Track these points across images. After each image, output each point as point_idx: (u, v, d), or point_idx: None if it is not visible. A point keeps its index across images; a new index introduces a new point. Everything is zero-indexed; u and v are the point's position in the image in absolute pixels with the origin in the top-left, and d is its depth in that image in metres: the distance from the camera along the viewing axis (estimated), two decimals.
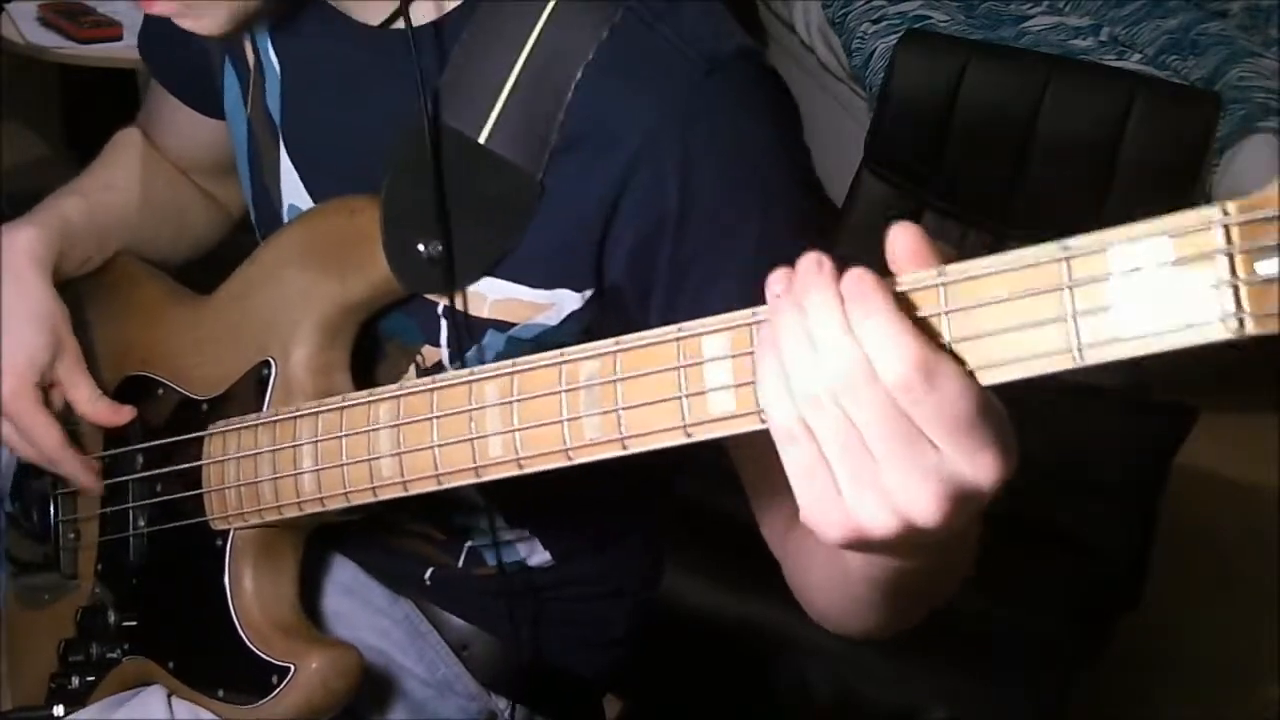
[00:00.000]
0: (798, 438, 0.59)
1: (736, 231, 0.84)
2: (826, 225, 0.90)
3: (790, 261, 0.74)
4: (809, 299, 0.58)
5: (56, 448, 1.04)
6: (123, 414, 1.04)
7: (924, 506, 0.57)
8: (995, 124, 2.26)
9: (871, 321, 0.56)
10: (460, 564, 1.05)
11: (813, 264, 0.59)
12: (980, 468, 0.57)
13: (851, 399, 0.57)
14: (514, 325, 0.91)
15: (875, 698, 1.70)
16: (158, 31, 1.17)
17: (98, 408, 1.04)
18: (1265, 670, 2.33)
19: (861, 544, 0.60)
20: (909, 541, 0.59)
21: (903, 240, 0.59)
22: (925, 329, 0.57)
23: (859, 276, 0.57)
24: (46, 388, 1.05)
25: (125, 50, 2.66)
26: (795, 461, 0.59)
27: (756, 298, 0.63)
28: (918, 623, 0.82)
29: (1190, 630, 2.43)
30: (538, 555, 1.06)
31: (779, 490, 0.86)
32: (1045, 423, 2.06)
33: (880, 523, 0.58)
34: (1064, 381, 2.26)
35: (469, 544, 1.04)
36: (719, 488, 1.65)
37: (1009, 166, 2.26)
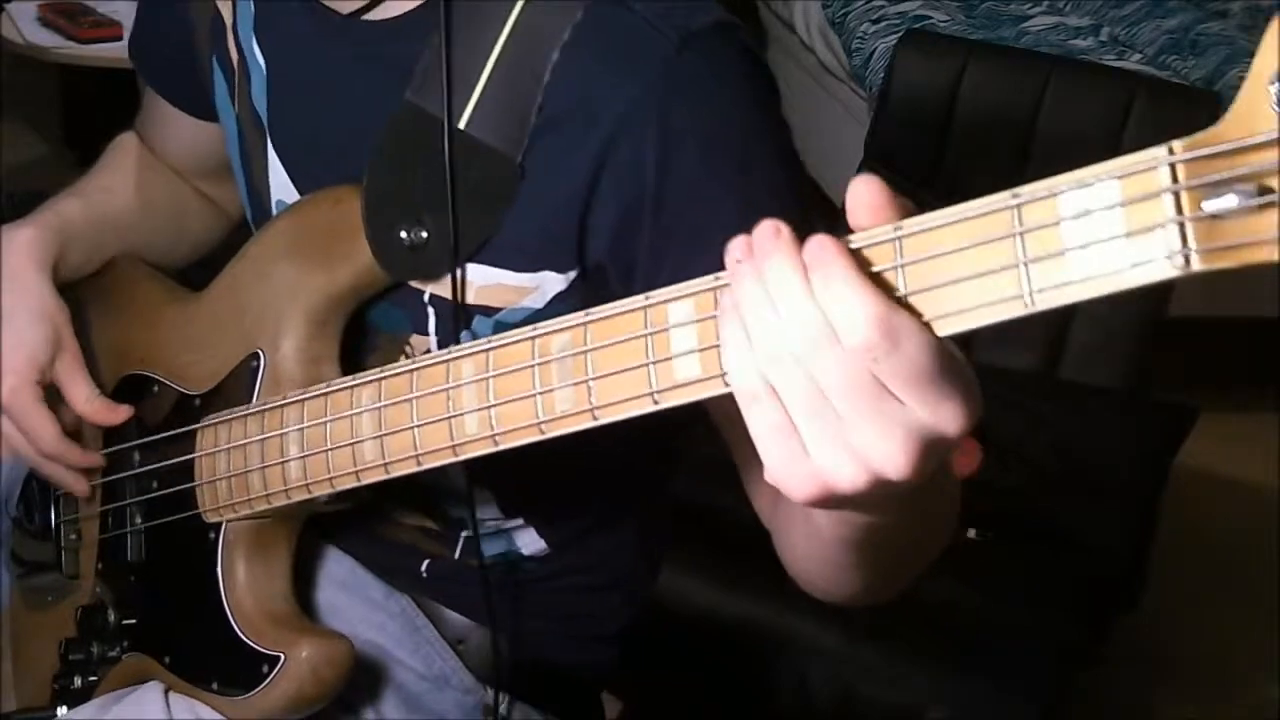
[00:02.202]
0: (761, 397, 0.59)
1: (716, 206, 0.84)
2: (807, 197, 0.90)
3: None
4: (768, 264, 0.59)
5: (54, 443, 1.04)
6: (119, 413, 1.04)
7: (892, 459, 0.57)
8: (995, 124, 2.26)
9: (832, 285, 0.57)
10: (457, 555, 1.06)
11: (770, 230, 0.59)
12: (944, 417, 0.57)
13: (815, 361, 0.57)
14: (500, 310, 0.91)
15: (875, 697, 1.70)
16: (147, 37, 1.18)
17: (94, 406, 1.05)
18: (1265, 670, 2.33)
19: (830, 501, 0.60)
20: (877, 495, 0.60)
21: (864, 194, 0.59)
22: (881, 284, 0.58)
23: (820, 242, 0.58)
24: (45, 386, 1.05)
25: (125, 50, 2.66)
26: (759, 421, 0.60)
27: None
28: (905, 585, 0.83)
29: (1190, 630, 2.43)
30: (533, 544, 1.06)
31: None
32: (1045, 423, 2.06)
33: (848, 477, 0.58)
34: (1064, 381, 2.26)
35: (464, 534, 1.05)
36: (717, 487, 1.65)
37: (1009, 166, 2.26)
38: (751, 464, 0.88)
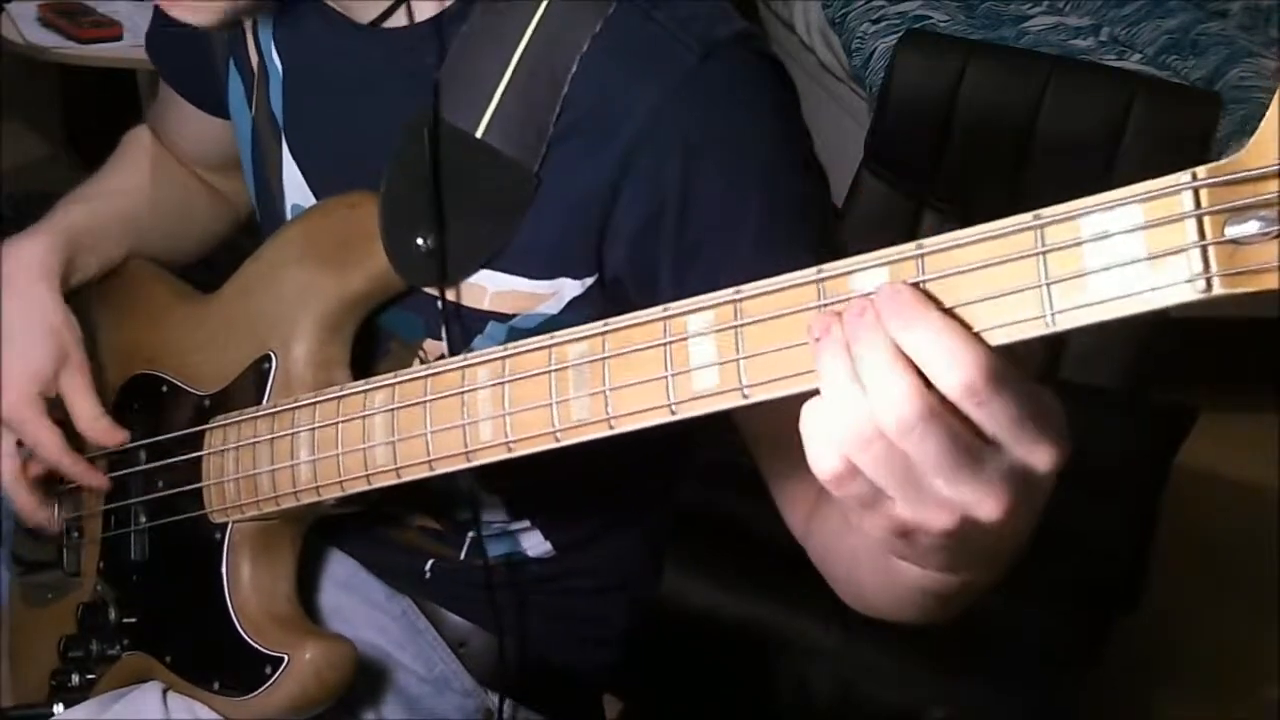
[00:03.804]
0: (849, 479, 0.57)
1: (739, 216, 0.84)
2: (830, 205, 0.90)
3: (794, 245, 0.74)
4: (858, 342, 0.56)
5: (58, 452, 1.05)
6: (118, 436, 1.05)
7: (984, 503, 0.56)
8: (995, 124, 2.26)
9: (920, 333, 0.55)
10: (462, 556, 1.06)
11: (857, 309, 0.57)
12: (1038, 457, 0.56)
13: (910, 435, 0.55)
14: (515, 316, 0.91)
15: (875, 697, 1.70)
16: (164, 32, 1.18)
17: (96, 426, 1.05)
18: (1265, 670, 2.33)
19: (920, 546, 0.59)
20: (974, 548, 0.59)
21: None
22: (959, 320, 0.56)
23: (895, 291, 0.56)
24: (50, 398, 1.06)
25: (125, 50, 2.67)
26: (850, 497, 0.58)
27: None
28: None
29: (1190, 630, 2.44)
30: (539, 546, 1.06)
31: (799, 476, 0.86)
32: None
33: (942, 524, 0.57)
34: (1064, 381, 2.26)
35: (470, 535, 1.05)
36: (719, 488, 1.65)
37: (1009, 166, 2.26)
38: (782, 480, 0.88)
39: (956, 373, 0.54)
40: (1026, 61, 2.42)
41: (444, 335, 0.93)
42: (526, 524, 1.04)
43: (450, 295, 0.92)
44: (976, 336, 0.56)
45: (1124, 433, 2.08)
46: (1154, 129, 2.17)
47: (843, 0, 3.23)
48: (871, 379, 0.55)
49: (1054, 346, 2.20)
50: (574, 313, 0.89)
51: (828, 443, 0.57)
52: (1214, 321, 2.13)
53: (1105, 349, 2.17)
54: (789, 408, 0.59)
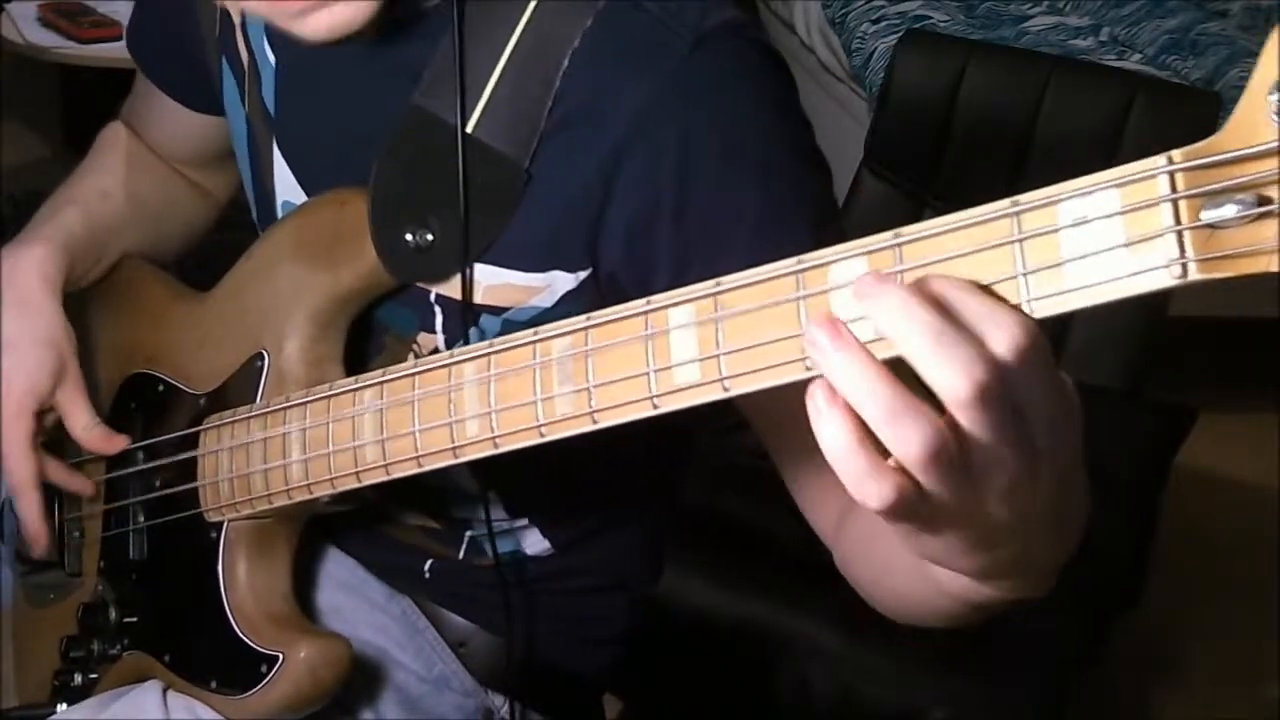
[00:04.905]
0: (902, 510, 0.55)
1: (736, 208, 0.84)
2: (833, 194, 0.89)
3: (794, 236, 0.74)
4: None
5: (24, 483, 1.05)
6: (116, 442, 1.05)
7: (1013, 464, 0.55)
8: (995, 124, 2.26)
9: (979, 296, 0.54)
10: (461, 555, 1.06)
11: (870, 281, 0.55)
12: (1057, 428, 0.56)
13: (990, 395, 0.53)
14: (508, 309, 0.91)
15: (875, 698, 1.70)
16: (147, 29, 1.18)
17: (93, 434, 1.05)
18: (1265, 670, 2.33)
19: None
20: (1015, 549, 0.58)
21: None
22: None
23: (927, 278, 0.55)
24: (43, 412, 1.06)
25: (125, 50, 2.66)
26: (906, 524, 0.57)
27: None
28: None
29: (1190, 630, 2.44)
30: (537, 544, 1.06)
31: (826, 481, 0.86)
32: None
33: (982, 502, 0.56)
34: None
35: (469, 534, 1.05)
36: (719, 488, 1.65)
37: (1009, 166, 2.26)
38: (808, 486, 0.87)
39: (1013, 334, 0.53)
40: (1026, 61, 2.41)
41: (438, 329, 0.93)
42: (525, 522, 1.04)
43: (441, 289, 0.92)
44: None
45: (1124, 433, 2.08)
46: (1154, 129, 2.17)
47: (843, 0, 3.23)
48: (942, 348, 0.53)
49: (1053, 344, 2.20)
50: (567, 306, 0.89)
51: (878, 477, 0.54)
52: (1214, 321, 2.13)
53: (1105, 348, 2.17)
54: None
